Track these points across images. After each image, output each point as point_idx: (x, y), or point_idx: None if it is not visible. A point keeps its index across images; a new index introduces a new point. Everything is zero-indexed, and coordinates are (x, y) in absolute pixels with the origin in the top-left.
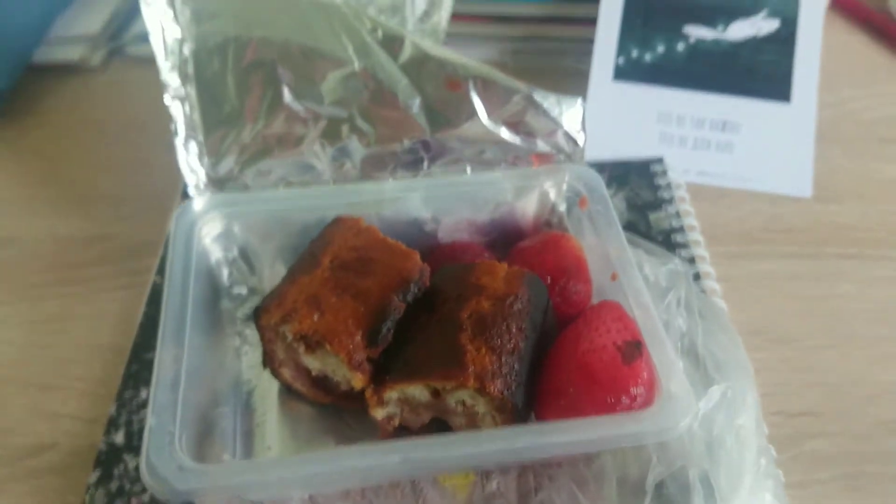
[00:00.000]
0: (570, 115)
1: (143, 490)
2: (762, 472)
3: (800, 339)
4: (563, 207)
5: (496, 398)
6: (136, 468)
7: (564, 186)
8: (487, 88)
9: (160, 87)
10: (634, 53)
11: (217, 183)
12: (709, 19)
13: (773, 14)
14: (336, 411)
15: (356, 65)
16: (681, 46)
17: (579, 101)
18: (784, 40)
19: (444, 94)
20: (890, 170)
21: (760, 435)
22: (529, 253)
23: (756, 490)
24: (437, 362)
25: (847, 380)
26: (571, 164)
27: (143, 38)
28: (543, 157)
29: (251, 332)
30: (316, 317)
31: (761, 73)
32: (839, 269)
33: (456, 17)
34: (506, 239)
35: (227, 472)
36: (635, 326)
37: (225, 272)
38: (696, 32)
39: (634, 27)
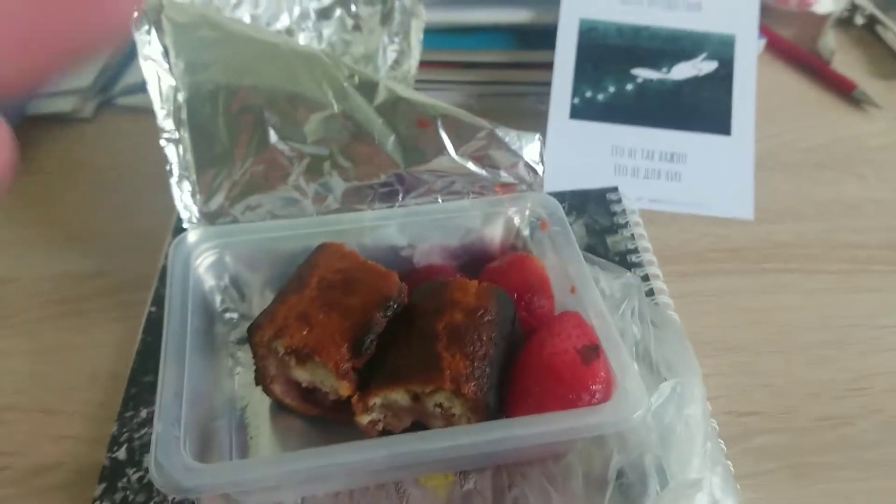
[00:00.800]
0: (529, 148)
1: (147, 500)
2: (709, 455)
3: (747, 347)
4: (526, 231)
5: (470, 399)
6: (139, 480)
7: (527, 212)
8: (454, 126)
9: (150, 135)
10: (588, 94)
11: (209, 217)
12: (654, 62)
13: (711, 57)
14: (324, 424)
15: (336, 108)
16: (630, 87)
17: (537, 136)
18: (722, 79)
19: (416, 132)
20: (824, 192)
21: (707, 424)
22: (498, 272)
23: (704, 472)
24: (416, 369)
25: (790, 381)
26: (532, 192)
27: (132, 89)
28: (507, 187)
29: (243, 355)
30: (305, 331)
31: (703, 109)
32: (781, 282)
33: (424, 64)
34: (476, 262)
35: (229, 470)
36: (593, 332)
37: (218, 299)
38: (643, 74)
39: (587, 70)
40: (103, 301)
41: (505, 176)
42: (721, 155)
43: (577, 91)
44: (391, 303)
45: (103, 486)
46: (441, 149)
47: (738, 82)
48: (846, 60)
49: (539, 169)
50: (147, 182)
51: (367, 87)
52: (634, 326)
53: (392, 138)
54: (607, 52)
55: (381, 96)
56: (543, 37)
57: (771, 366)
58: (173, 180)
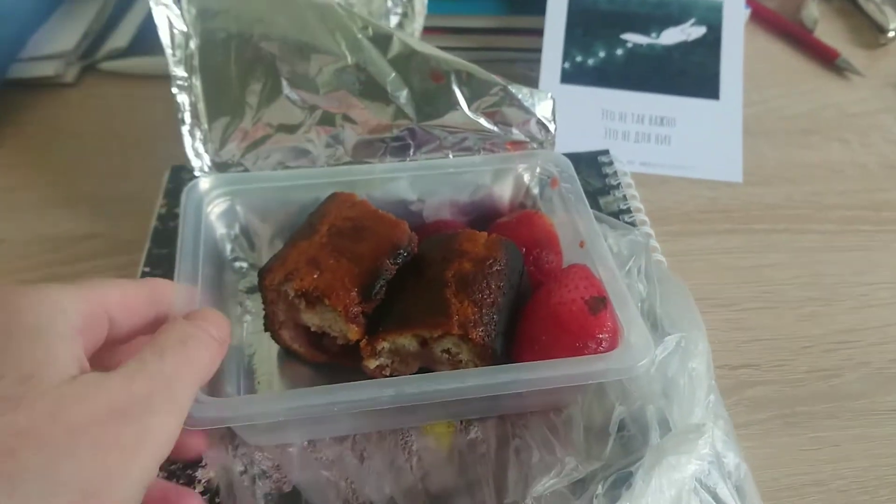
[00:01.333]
0: (542, 106)
1: None
2: (711, 408)
3: (738, 303)
4: (536, 189)
5: (478, 344)
6: None
7: (537, 170)
8: (468, 81)
9: (134, 99)
10: (578, 59)
11: (220, 167)
12: (643, 27)
13: (700, 22)
14: (331, 371)
15: (349, 59)
16: (619, 52)
17: (550, 94)
18: (711, 44)
19: (429, 86)
20: (810, 156)
21: (710, 377)
22: (507, 227)
23: (706, 422)
24: (424, 314)
25: (781, 336)
26: (543, 150)
27: (116, 54)
28: (518, 145)
29: (251, 303)
30: (315, 275)
31: (692, 73)
32: (770, 242)
33: None
34: (484, 218)
35: (237, 404)
36: (601, 285)
37: (228, 247)
38: (633, 39)
39: (577, 36)
40: (96, 263)
41: (516, 133)
42: (710, 119)
43: (567, 56)
44: (401, 251)
45: None
46: (454, 104)
47: (725, 47)
48: (828, 30)
49: (551, 127)
50: (133, 146)
51: (381, 40)
52: (640, 284)
53: (405, 92)
54: (597, 17)
55: (394, 49)
56: (533, 1)
57: (762, 321)
58: (185, 128)
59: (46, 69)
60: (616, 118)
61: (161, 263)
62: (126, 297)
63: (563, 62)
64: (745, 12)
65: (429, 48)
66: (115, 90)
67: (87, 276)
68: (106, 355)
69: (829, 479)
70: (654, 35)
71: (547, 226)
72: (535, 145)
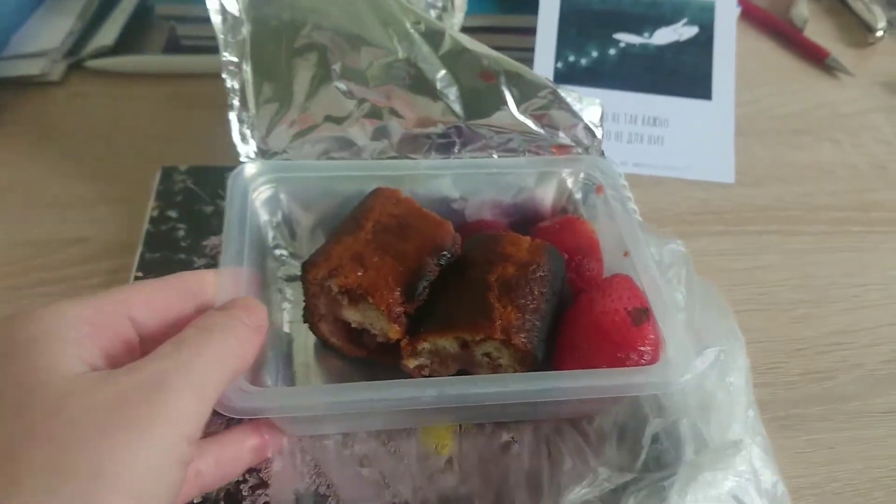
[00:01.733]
0: (590, 111)
1: None
2: (750, 424)
3: (732, 305)
4: (578, 194)
5: (520, 350)
6: None
7: (581, 175)
8: (517, 82)
9: (122, 98)
10: (571, 58)
11: (266, 154)
12: (636, 27)
13: (692, 22)
14: (367, 366)
15: (399, 53)
16: (612, 51)
17: (598, 100)
18: (703, 44)
19: (479, 84)
20: (802, 156)
21: (748, 392)
22: (549, 232)
23: (745, 438)
24: (467, 317)
25: (774, 338)
26: (589, 156)
27: (102, 52)
28: (563, 149)
29: (291, 291)
30: (360, 272)
31: (684, 73)
32: (761, 243)
33: None
34: (525, 221)
35: (284, 395)
36: (644, 296)
37: (270, 234)
38: (626, 38)
39: (570, 35)
40: (86, 268)
41: (563, 137)
42: (702, 119)
43: (560, 55)
44: (445, 252)
45: None
46: (502, 104)
47: (717, 47)
48: (818, 29)
49: (598, 132)
50: (122, 146)
51: (433, 35)
52: (679, 294)
53: (454, 89)
54: (590, 17)
55: (446, 45)
56: (525, 1)
57: (755, 323)
58: (233, 114)
59: (31, 67)
60: (609, 118)
61: (154, 268)
62: (151, 297)
63: (556, 62)
64: (736, 10)
65: (479, 46)
66: (102, 89)
67: (76, 282)
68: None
69: (823, 481)
70: (646, 35)
71: (589, 233)
72: (580, 150)
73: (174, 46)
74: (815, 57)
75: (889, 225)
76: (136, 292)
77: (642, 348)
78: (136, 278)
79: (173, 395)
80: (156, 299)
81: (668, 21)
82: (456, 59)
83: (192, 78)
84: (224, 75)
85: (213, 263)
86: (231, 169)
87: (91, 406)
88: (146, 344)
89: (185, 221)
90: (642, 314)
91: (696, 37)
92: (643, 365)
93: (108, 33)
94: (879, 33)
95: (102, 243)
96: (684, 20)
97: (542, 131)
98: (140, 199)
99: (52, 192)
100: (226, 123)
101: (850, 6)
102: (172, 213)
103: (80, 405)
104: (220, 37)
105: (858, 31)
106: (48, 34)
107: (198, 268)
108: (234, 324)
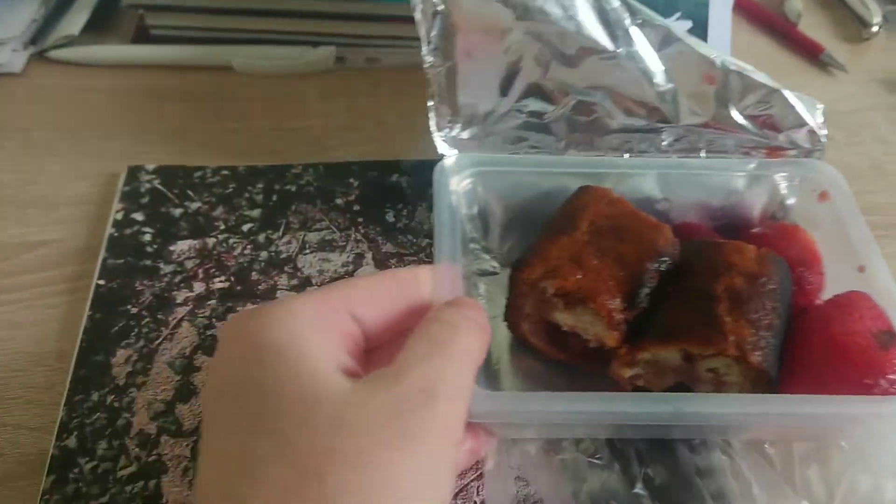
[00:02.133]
0: (813, 113)
1: (102, 493)
2: None
3: None
4: (791, 200)
5: (755, 368)
6: (93, 470)
7: (797, 180)
8: (738, 81)
9: (87, 91)
10: None
11: (463, 146)
12: None
13: (686, 16)
14: (566, 369)
15: (616, 48)
16: None
17: (820, 104)
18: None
19: (699, 85)
20: None
21: None
22: (765, 240)
23: None
24: (694, 329)
25: None
26: (808, 160)
27: (67, 42)
28: (777, 151)
29: (484, 286)
30: (579, 276)
31: None
32: None
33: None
34: (731, 226)
35: (518, 401)
36: (887, 317)
37: (467, 228)
38: None
39: None
40: (45, 274)
41: (782, 139)
42: None
43: None
44: (665, 257)
45: (52, 477)
46: (720, 102)
47: (712, 42)
48: (812, 23)
49: (822, 136)
50: (86, 142)
51: (652, 31)
52: None
53: (670, 86)
54: None
55: (665, 42)
56: None
57: None
58: (432, 104)
59: None
60: None
61: (117, 275)
62: (370, 293)
63: None
64: (730, 4)
65: (701, 45)
66: (66, 81)
67: (36, 289)
68: (375, 353)
69: None
70: None
71: (810, 243)
72: (796, 153)
73: (143, 36)
74: (810, 52)
75: (887, 229)
76: (357, 288)
77: (891, 376)
78: (98, 286)
79: (442, 404)
80: (374, 295)
81: (661, 14)
82: (676, 57)
83: (162, 70)
84: (425, 66)
85: (180, 271)
86: (199, 169)
87: (367, 418)
88: (370, 340)
89: (151, 225)
90: (889, 338)
91: (691, 30)
92: (890, 394)
93: (73, 22)
94: (875, 28)
95: (63, 247)
96: (678, 14)
97: (759, 132)
98: (104, 199)
99: (10, 192)
100: (203, 117)
101: (845, 0)
102: (138, 216)
103: (358, 417)
104: (422, 29)
105: (853, 25)
106: (9, 22)
107: (164, 275)
108: (469, 324)
